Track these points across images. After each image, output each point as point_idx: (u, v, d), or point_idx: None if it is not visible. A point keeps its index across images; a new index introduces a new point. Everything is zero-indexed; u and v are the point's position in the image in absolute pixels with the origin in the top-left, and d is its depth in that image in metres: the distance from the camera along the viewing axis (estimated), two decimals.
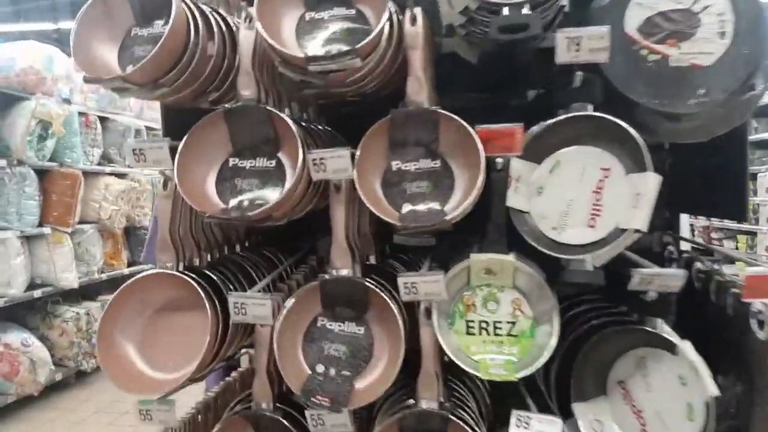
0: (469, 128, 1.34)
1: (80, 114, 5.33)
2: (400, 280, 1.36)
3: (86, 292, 5.63)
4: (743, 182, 1.62)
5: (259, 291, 1.47)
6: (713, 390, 1.25)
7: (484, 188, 1.34)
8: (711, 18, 1.33)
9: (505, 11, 1.32)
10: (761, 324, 1.30)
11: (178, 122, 1.83)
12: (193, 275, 1.45)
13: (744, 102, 1.38)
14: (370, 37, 1.24)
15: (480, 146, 1.31)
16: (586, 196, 1.37)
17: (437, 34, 1.71)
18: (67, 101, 5.19)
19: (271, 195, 1.38)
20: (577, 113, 1.36)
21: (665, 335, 1.34)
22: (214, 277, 1.50)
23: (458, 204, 1.35)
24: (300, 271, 1.77)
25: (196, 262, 1.56)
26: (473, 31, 1.57)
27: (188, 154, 1.39)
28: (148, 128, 6.30)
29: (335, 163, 1.33)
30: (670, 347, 1.34)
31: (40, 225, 5.02)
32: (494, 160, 1.37)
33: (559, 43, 1.27)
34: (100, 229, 5.66)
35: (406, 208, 1.39)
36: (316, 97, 1.80)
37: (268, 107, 1.39)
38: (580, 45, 1.26)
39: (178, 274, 1.44)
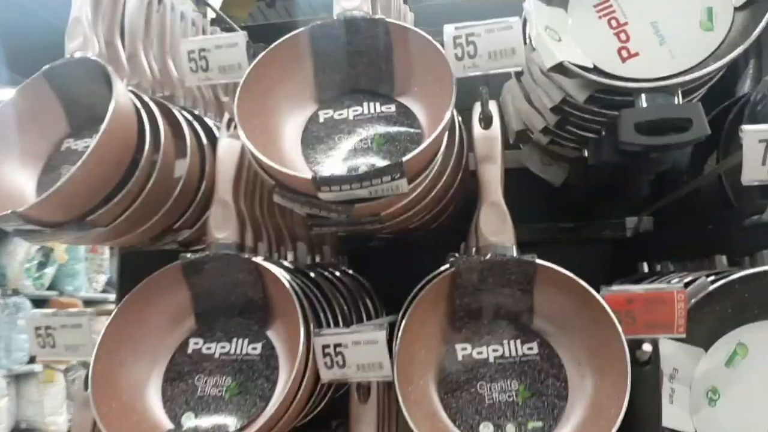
0: (593, 293, 0.78)
1: None
2: None
3: None
4: None
5: None
6: None
7: None
8: None
9: (643, 100, 0.80)
10: None
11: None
12: None
13: None
14: (425, 144, 0.72)
15: (616, 323, 0.75)
16: None
17: None
18: None
19: (245, 412, 0.81)
20: None
21: None
22: None
23: (582, 429, 0.76)
24: None
25: None
26: (566, 137, 1.07)
27: (121, 338, 0.85)
28: None
29: (362, 354, 0.77)
30: None
31: (31, 362, 4.48)
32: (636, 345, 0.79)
33: (748, 150, 0.73)
34: None
35: None
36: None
37: (254, 258, 0.86)
38: None
39: None
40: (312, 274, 1.05)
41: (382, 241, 1.32)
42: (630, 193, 1.15)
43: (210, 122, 1.14)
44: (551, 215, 1.41)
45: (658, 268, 1.18)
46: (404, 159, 0.71)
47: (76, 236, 0.90)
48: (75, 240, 0.93)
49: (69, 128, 1.00)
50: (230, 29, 1.45)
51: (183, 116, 1.07)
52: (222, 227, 0.88)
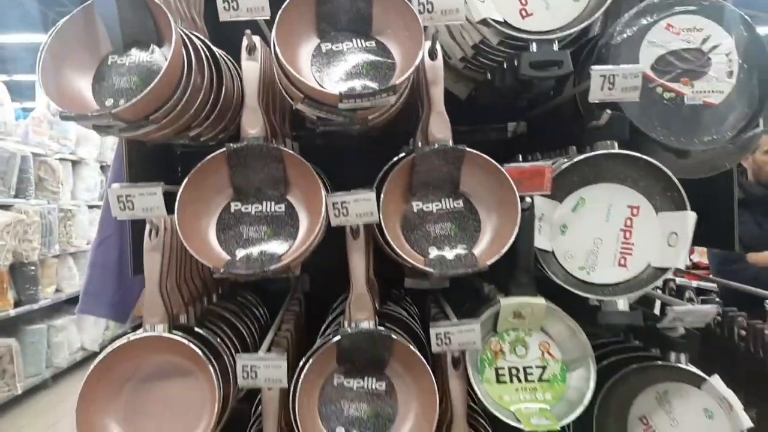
0: (500, 167, 1.27)
1: None
2: (433, 331, 1.25)
3: None
4: (731, 212, 1.69)
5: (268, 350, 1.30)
6: (746, 422, 1.26)
7: None
8: (720, 57, 1.36)
9: (534, 48, 1.27)
10: None
11: (144, 161, 1.64)
12: (188, 337, 1.26)
13: (748, 139, 1.43)
14: (408, 72, 1.14)
15: (514, 186, 1.25)
16: (614, 235, 1.34)
17: None
18: None
19: (281, 245, 1.24)
20: (609, 151, 1.33)
21: (692, 369, 1.35)
22: (210, 338, 1.32)
23: (489, 248, 1.28)
24: (288, 318, 1.61)
25: (182, 319, 1.36)
26: (476, 65, 1.52)
27: (187, 202, 1.21)
28: (35, 154, 5.68)
29: (360, 207, 1.21)
30: (695, 381, 1.34)
31: None
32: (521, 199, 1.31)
33: (594, 81, 1.24)
34: None
35: (433, 252, 1.29)
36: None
37: (280, 146, 1.25)
38: (614, 83, 1.24)
39: (173, 337, 1.24)
40: None
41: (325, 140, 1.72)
42: (516, 104, 1.65)
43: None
44: (452, 121, 1.89)
45: (530, 158, 1.72)
46: (398, 82, 1.13)
47: (136, 130, 1.21)
48: (131, 134, 1.23)
49: (112, 46, 1.26)
50: None
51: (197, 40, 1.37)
52: (253, 126, 1.25)
